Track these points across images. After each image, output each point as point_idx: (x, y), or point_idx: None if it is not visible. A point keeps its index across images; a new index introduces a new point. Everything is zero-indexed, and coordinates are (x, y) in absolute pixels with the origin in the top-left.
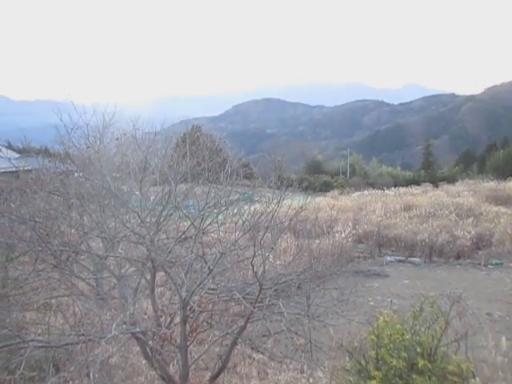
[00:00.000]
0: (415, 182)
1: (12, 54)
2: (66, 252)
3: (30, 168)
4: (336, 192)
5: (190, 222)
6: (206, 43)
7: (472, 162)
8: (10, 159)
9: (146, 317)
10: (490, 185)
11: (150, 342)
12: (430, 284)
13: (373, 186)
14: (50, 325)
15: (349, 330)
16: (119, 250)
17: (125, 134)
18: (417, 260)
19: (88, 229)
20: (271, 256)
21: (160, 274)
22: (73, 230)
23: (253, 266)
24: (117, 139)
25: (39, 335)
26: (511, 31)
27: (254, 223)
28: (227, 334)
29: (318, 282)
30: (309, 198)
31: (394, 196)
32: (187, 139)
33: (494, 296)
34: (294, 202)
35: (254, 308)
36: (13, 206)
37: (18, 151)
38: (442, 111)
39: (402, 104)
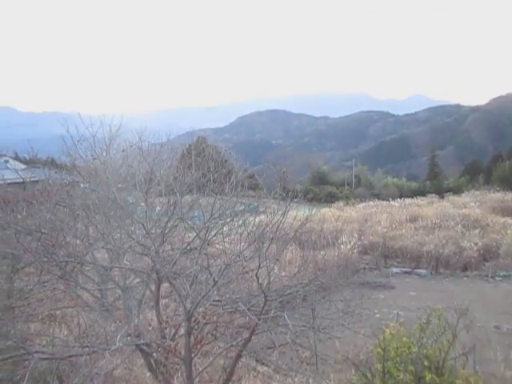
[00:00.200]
0: (421, 192)
1: (20, 65)
2: (71, 263)
3: (36, 179)
4: (341, 203)
5: (195, 233)
6: (210, 55)
7: (478, 173)
8: (16, 170)
9: (150, 328)
10: (496, 196)
11: (155, 354)
12: (437, 296)
13: (378, 196)
14: (55, 336)
15: (355, 342)
16: (124, 261)
17: (131, 146)
18: (423, 271)
19: (93, 240)
20: (276, 267)
21: (165, 286)
22: (78, 241)
23: (258, 278)
24: (123, 151)
25: (43, 346)
26: None
27: (259, 234)
28: (232, 346)
29: (324, 294)
30: (314, 209)
31: (400, 207)
32: (193, 150)
33: (502, 308)
34: (299, 213)
35: (259, 320)
36: (19, 216)
37: (25, 162)
38: (447, 122)
39: (407, 115)
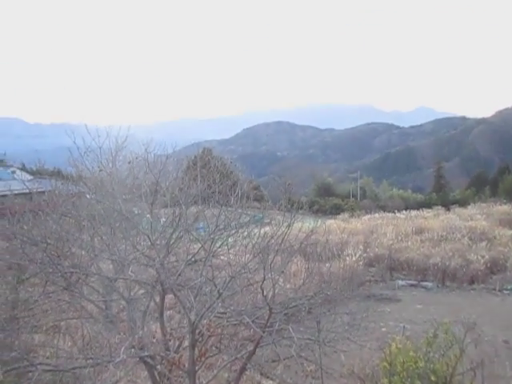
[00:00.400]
0: (426, 204)
1: (28, 77)
2: (76, 274)
3: (43, 190)
4: (346, 215)
5: (200, 245)
6: (216, 66)
7: (484, 185)
8: (23, 181)
9: (154, 340)
10: (503, 208)
11: (159, 367)
12: (444, 309)
13: (383, 208)
14: (59, 348)
15: (360, 356)
16: (129, 273)
17: (137, 158)
18: (429, 284)
19: (98, 251)
20: (281, 279)
21: (169, 297)
22: (83, 252)
23: (262, 290)
24: (129, 163)
25: (47, 358)
26: None
27: (264, 246)
28: (236, 358)
29: (329, 307)
30: (319, 221)
31: (406, 219)
32: (198, 162)
33: (511, 322)
34: (304, 224)
35: (264, 332)
36: (25, 227)
37: (32, 173)
38: (452, 134)
39: (412, 127)
